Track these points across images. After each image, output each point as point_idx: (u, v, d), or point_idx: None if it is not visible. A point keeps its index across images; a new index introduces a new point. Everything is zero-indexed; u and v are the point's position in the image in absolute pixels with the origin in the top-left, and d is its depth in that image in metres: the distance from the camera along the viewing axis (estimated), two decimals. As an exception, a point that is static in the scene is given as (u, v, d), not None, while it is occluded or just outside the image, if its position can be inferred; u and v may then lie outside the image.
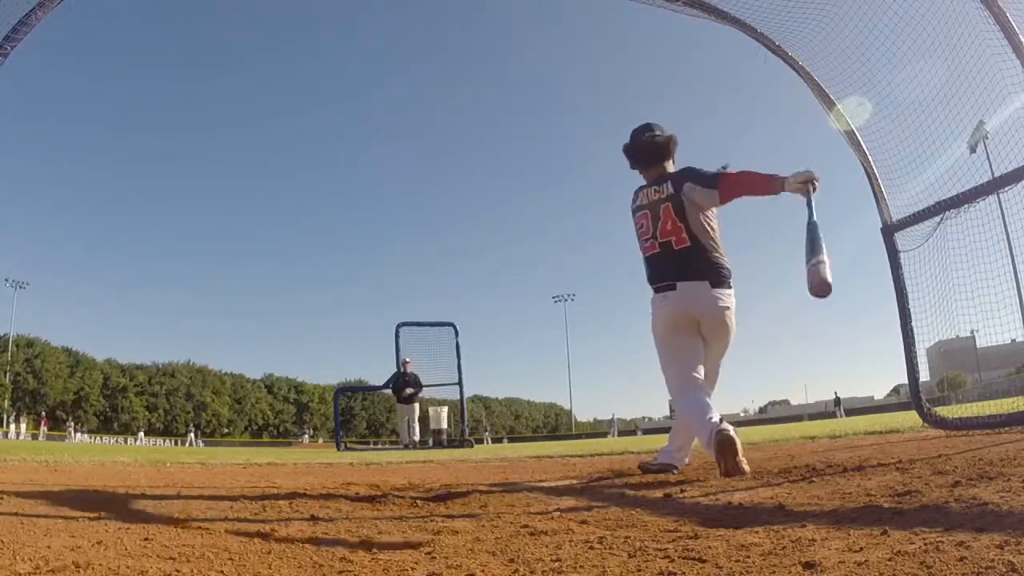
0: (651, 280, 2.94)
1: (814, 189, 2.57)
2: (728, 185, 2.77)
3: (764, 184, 2.70)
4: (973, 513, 1.27)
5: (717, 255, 2.85)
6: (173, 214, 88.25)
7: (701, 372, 2.81)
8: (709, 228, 2.85)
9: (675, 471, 3.05)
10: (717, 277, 2.81)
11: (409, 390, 11.32)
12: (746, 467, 2.32)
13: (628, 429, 51.48)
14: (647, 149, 3.00)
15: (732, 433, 2.37)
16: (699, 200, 2.80)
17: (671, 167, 3.01)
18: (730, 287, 2.84)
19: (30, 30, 3.69)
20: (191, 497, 2.53)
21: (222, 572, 1.13)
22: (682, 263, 2.82)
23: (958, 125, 3.73)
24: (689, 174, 2.86)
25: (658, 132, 3.02)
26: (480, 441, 43.45)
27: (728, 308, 2.80)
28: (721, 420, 2.47)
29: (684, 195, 2.81)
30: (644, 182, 3.03)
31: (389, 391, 11.17)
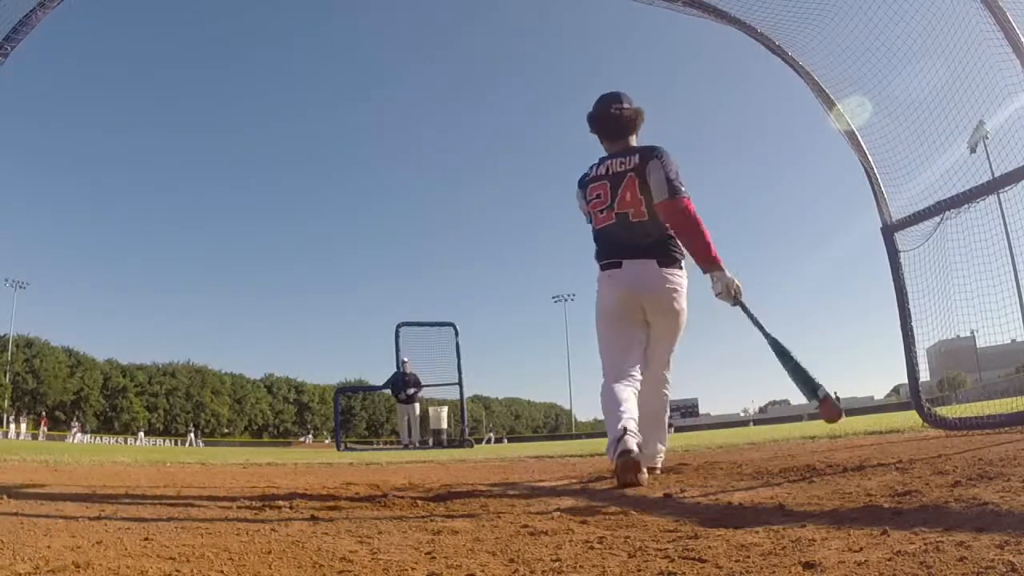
0: (599, 256, 2.87)
1: (734, 301, 2.61)
2: (679, 213, 2.69)
3: (703, 251, 2.66)
4: (973, 513, 1.27)
5: (671, 235, 2.78)
6: (173, 214, 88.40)
7: (637, 367, 2.75)
8: None
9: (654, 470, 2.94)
10: (667, 256, 2.74)
11: (410, 390, 11.31)
12: (644, 481, 2.40)
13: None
14: (613, 121, 2.90)
15: (634, 455, 2.39)
16: (653, 186, 2.72)
17: (634, 141, 2.93)
18: (681, 268, 2.78)
19: (30, 30, 3.69)
20: (191, 497, 2.53)
21: (222, 572, 1.13)
22: (634, 238, 2.76)
23: (958, 125, 3.72)
24: (661, 157, 2.76)
25: (626, 105, 2.91)
26: (485, 441, 43.48)
27: (675, 289, 2.73)
28: (626, 432, 2.43)
29: (648, 169, 2.74)
30: (604, 153, 2.95)
31: (389, 391, 11.17)
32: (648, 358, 2.85)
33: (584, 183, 2.96)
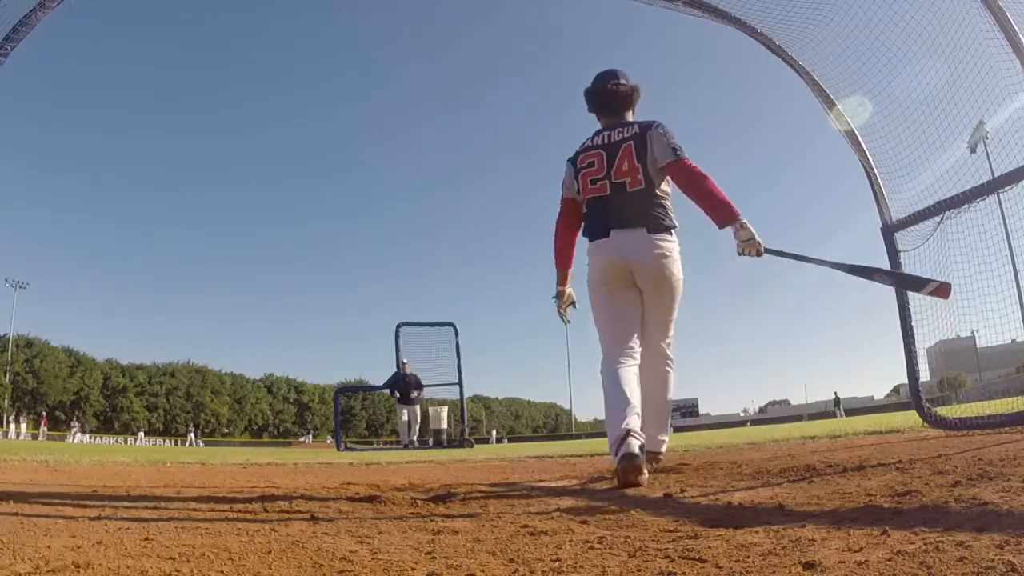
0: (588, 230, 2.85)
1: (756, 253, 2.60)
2: (689, 170, 2.70)
3: (720, 203, 2.63)
4: (973, 513, 1.27)
5: (667, 204, 2.79)
6: (173, 214, 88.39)
7: (635, 339, 2.74)
8: (665, 180, 2.80)
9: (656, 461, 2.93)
10: (656, 224, 2.73)
11: (414, 393, 11.33)
12: (644, 482, 2.39)
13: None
14: (610, 95, 2.94)
15: (637, 450, 2.41)
16: (656, 152, 2.74)
17: (630, 117, 2.96)
18: (672, 234, 2.78)
19: (30, 30, 3.68)
20: (191, 497, 2.53)
21: (222, 572, 1.13)
22: (626, 210, 2.75)
23: (958, 125, 3.72)
24: (661, 127, 2.79)
25: (623, 81, 2.96)
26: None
27: (665, 254, 2.72)
28: (629, 434, 2.44)
29: (649, 136, 2.76)
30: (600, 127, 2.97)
31: (389, 391, 11.18)
32: (644, 330, 2.83)
33: (575, 155, 2.94)
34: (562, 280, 3.08)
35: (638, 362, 2.73)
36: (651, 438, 2.89)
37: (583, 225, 2.91)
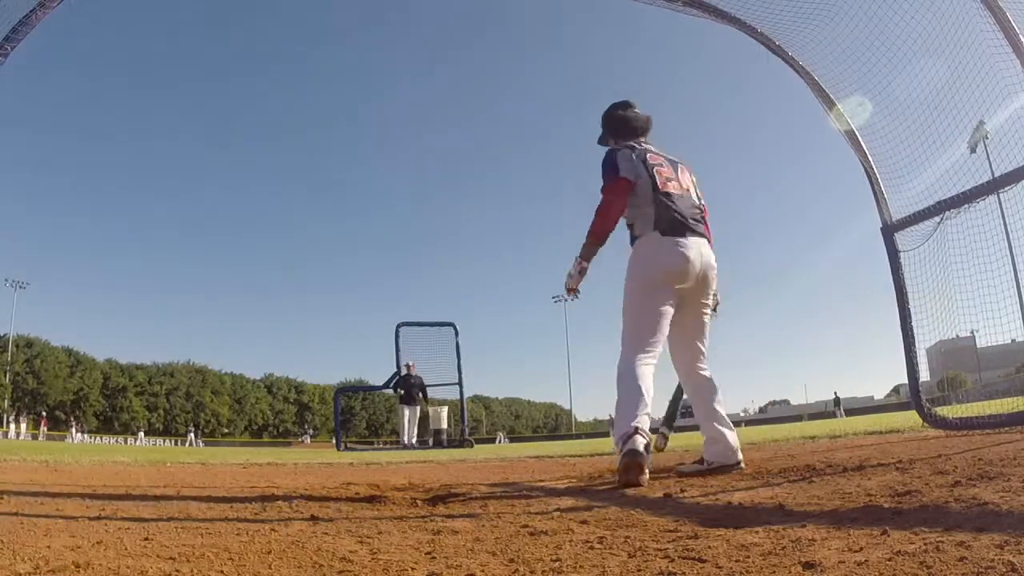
0: (660, 223, 2.79)
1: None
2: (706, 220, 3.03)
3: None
4: (973, 513, 1.27)
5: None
6: (173, 214, 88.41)
7: (661, 344, 2.81)
8: None
9: (740, 467, 2.83)
10: (710, 238, 2.95)
11: (417, 393, 11.35)
12: (645, 482, 2.43)
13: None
14: (631, 120, 3.08)
15: (641, 448, 2.46)
16: (700, 187, 3.06)
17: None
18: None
19: (30, 30, 3.69)
20: (191, 497, 2.53)
21: (222, 572, 1.13)
22: (693, 215, 2.89)
23: (958, 125, 3.72)
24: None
25: (638, 110, 3.14)
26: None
27: (715, 266, 2.92)
28: (636, 431, 2.48)
29: (692, 170, 3.06)
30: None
31: (390, 391, 11.19)
32: (686, 336, 2.92)
33: (640, 152, 2.93)
34: (592, 255, 2.91)
35: (656, 363, 2.78)
36: (731, 446, 2.84)
37: (653, 218, 2.83)
